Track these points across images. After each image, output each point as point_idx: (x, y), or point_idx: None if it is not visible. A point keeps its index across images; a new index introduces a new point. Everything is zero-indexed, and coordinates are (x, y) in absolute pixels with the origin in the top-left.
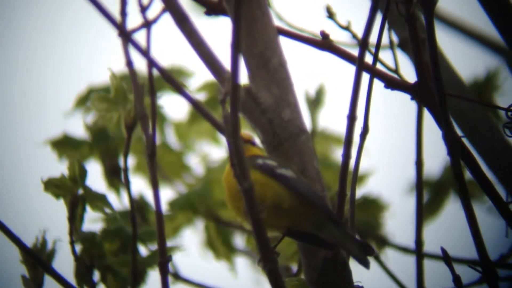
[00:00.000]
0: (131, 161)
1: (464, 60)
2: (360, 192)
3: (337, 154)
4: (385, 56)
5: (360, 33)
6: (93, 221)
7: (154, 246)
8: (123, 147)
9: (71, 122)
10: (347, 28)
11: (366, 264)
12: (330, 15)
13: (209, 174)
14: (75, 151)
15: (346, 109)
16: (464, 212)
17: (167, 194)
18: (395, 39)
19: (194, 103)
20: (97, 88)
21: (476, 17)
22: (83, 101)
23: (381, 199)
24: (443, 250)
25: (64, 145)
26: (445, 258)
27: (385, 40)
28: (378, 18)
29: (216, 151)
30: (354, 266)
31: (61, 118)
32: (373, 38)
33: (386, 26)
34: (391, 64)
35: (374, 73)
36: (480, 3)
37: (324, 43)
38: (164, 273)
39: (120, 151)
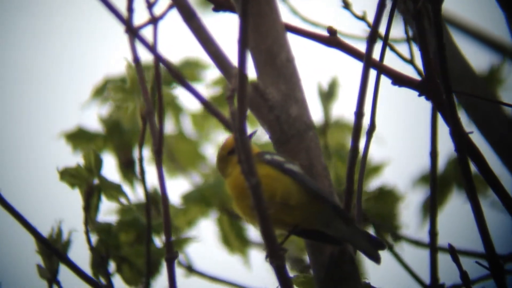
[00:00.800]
0: (146, 152)
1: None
2: (375, 183)
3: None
4: (401, 48)
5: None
6: (108, 212)
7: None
8: (138, 138)
9: (86, 114)
10: (362, 18)
11: (376, 260)
12: (346, 5)
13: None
14: (89, 143)
15: (353, 105)
16: (472, 208)
17: (182, 184)
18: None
19: (201, 99)
20: (114, 78)
21: (478, 16)
22: (100, 92)
23: (396, 189)
24: (450, 246)
25: (78, 137)
26: (452, 254)
27: (401, 33)
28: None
29: None
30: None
31: (77, 110)
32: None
33: (401, 18)
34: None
35: (382, 70)
36: (500, 5)
37: (331, 39)
38: (171, 269)
39: (134, 144)
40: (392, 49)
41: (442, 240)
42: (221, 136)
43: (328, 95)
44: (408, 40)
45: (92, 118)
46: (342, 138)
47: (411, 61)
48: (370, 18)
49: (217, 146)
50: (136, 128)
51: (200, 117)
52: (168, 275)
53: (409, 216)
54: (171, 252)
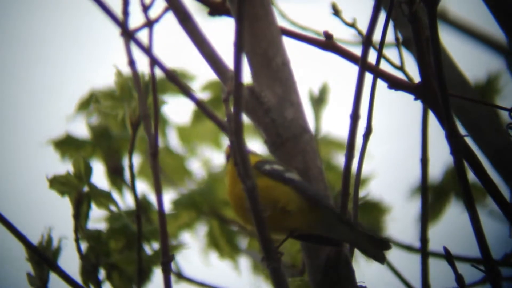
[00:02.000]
0: (135, 161)
1: (468, 60)
2: (361, 195)
3: (339, 159)
4: (390, 54)
5: (365, 31)
6: (97, 219)
7: (159, 245)
8: (128, 145)
9: (74, 123)
10: (352, 25)
11: (381, 260)
12: (336, 12)
13: (211, 179)
14: (77, 151)
15: (349, 109)
16: (467, 211)
17: (170, 196)
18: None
19: (197, 102)
20: (100, 91)
21: (478, 16)
22: (86, 104)
23: (382, 202)
24: (445, 249)
25: (66, 145)
26: (448, 257)
27: (390, 38)
28: (383, 16)
29: (218, 156)
30: (355, 265)
31: (64, 120)
32: (378, 37)
33: (391, 23)
34: (396, 61)
35: (378, 73)
36: (485, 2)
37: (327, 43)
38: (166, 272)
39: (123, 151)
40: (382, 55)
41: (442, 245)
42: (207, 150)
43: (319, 101)
44: (398, 45)
45: (80, 126)
46: (328, 153)
47: (401, 68)
48: (360, 25)
49: (203, 160)
50: (125, 134)
51: (187, 131)
52: (163, 278)
53: (399, 225)
54: (167, 255)
